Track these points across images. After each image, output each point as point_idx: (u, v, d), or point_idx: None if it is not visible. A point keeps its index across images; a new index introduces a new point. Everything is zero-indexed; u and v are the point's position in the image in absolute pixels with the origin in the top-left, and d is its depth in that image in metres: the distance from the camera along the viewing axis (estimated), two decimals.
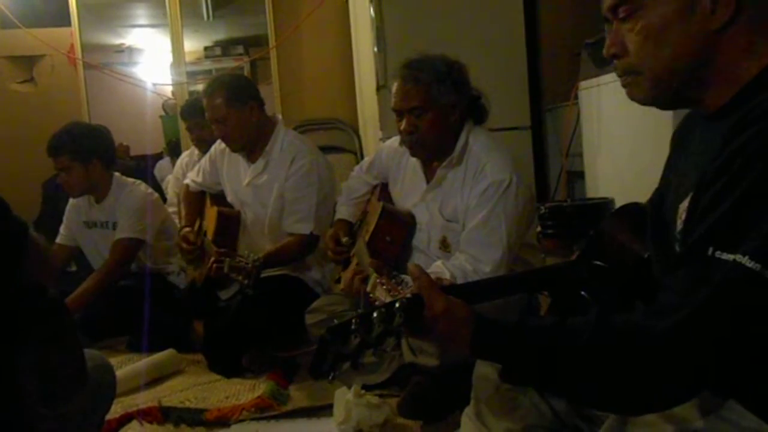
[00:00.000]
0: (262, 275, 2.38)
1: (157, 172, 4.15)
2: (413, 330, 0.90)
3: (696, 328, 0.74)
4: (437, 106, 1.79)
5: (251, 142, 2.41)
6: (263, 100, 2.44)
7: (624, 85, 0.93)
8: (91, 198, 2.77)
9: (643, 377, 0.78)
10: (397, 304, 0.86)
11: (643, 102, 0.93)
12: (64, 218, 2.83)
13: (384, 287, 1.49)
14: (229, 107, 2.33)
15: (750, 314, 0.73)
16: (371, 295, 1.59)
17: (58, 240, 2.82)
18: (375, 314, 0.84)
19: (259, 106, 2.39)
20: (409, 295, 0.89)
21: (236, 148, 2.44)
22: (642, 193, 1.14)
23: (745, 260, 0.71)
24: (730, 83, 0.84)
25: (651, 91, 0.90)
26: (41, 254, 1.09)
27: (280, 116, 2.65)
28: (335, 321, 0.83)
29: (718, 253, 0.74)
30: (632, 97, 0.93)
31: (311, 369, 0.85)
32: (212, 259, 2.08)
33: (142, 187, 2.81)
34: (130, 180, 2.80)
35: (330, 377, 0.85)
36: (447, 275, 1.71)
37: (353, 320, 0.83)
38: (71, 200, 2.84)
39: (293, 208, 2.35)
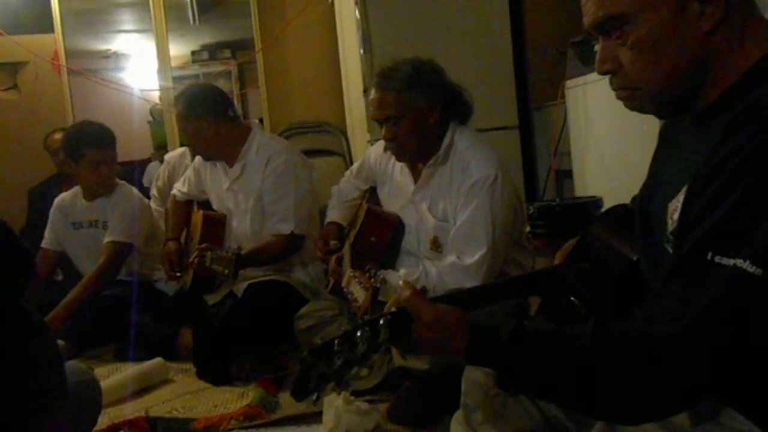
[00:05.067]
0: (251, 281, 2.38)
1: (144, 177, 4.11)
2: (400, 345, 0.89)
3: (697, 336, 0.73)
4: (412, 112, 1.78)
5: (216, 153, 2.43)
6: (230, 112, 2.43)
7: (621, 98, 0.90)
8: (80, 197, 2.74)
9: (643, 385, 0.77)
10: (381, 321, 0.84)
11: (643, 113, 0.90)
12: (49, 222, 2.81)
13: (356, 280, 1.49)
14: (185, 119, 2.37)
15: (751, 320, 0.71)
16: (345, 290, 1.59)
17: (43, 244, 2.80)
18: (359, 333, 0.81)
19: (219, 118, 2.37)
20: (393, 310, 0.87)
21: (205, 157, 2.48)
22: (631, 191, 1.13)
23: (746, 265, 0.70)
24: (721, 80, 0.83)
25: (652, 104, 0.88)
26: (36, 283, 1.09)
27: (257, 121, 2.68)
28: (319, 341, 0.81)
29: (717, 258, 0.72)
30: (632, 109, 0.90)
31: (293, 391, 0.83)
32: (194, 254, 2.09)
33: (134, 190, 2.80)
34: (121, 181, 2.80)
35: (314, 398, 0.83)
36: (414, 276, 1.71)
37: (336, 341, 0.81)
38: (56, 202, 2.82)
39: (272, 209, 2.35)
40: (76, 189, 2.82)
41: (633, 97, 0.88)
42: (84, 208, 2.74)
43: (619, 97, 0.91)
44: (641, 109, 0.90)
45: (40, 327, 0.93)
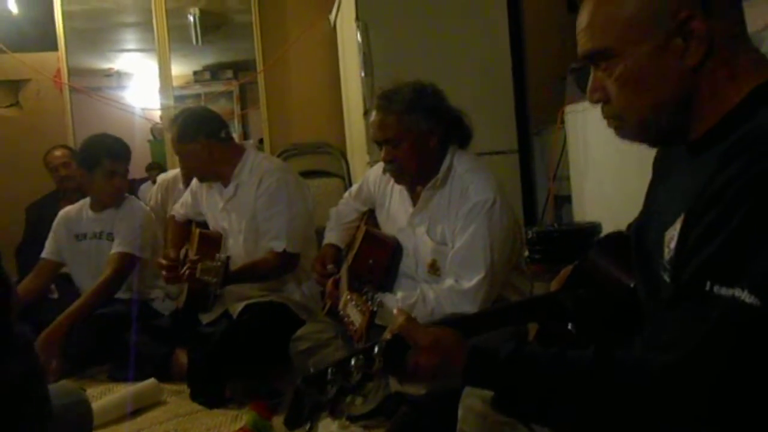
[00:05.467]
0: (248, 301, 2.36)
1: (140, 195, 4.11)
2: (395, 373, 0.88)
3: (696, 366, 0.73)
4: (412, 135, 1.79)
5: (209, 174, 2.45)
6: (223, 134, 2.45)
7: (611, 127, 0.92)
8: (87, 209, 2.77)
9: (640, 413, 0.77)
10: (376, 349, 0.83)
11: (633, 142, 0.92)
12: (52, 232, 2.82)
13: (353, 303, 1.47)
14: (179, 142, 2.40)
15: (749, 351, 0.71)
16: (342, 313, 1.57)
17: (43, 255, 2.81)
18: (353, 361, 0.81)
19: (213, 140, 2.39)
20: (388, 337, 0.86)
21: (200, 178, 2.51)
22: (629, 217, 1.13)
23: (744, 295, 0.70)
24: (714, 111, 0.84)
25: (638, 135, 0.90)
26: (17, 300, 1.06)
27: (252, 141, 2.71)
28: (311, 368, 0.80)
29: (716, 288, 0.72)
30: (622, 137, 0.92)
31: (286, 420, 0.82)
32: (185, 266, 2.09)
33: (142, 204, 2.86)
34: (129, 195, 2.84)
35: (308, 428, 0.82)
36: (411, 300, 1.70)
37: (329, 369, 0.80)
38: (61, 214, 2.84)
39: (266, 227, 2.35)
40: (83, 201, 2.85)
41: (620, 126, 0.90)
42: (90, 219, 2.77)
43: (609, 126, 0.93)
44: (631, 138, 0.91)
45: (23, 345, 0.91)
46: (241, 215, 2.41)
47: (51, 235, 2.81)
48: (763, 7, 2.00)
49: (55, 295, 2.99)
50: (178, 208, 2.71)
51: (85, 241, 2.77)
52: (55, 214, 2.89)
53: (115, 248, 2.65)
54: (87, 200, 2.84)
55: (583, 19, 0.88)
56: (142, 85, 5.45)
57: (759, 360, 0.71)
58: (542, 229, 2.83)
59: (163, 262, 2.39)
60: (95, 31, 5.07)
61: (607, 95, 0.88)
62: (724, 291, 0.72)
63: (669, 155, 0.99)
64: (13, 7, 4.42)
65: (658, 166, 1.02)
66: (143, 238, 2.71)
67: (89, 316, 2.53)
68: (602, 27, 0.85)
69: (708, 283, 0.73)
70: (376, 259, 1.93)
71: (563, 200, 3.30)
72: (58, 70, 4.38)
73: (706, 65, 0.82)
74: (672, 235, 0.83)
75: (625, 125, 0.89)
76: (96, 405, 1.97)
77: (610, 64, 0.86)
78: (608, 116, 0.91)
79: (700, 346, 0.72)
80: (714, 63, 0.82)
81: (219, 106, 5.10)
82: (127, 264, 2.65)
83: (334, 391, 0.80)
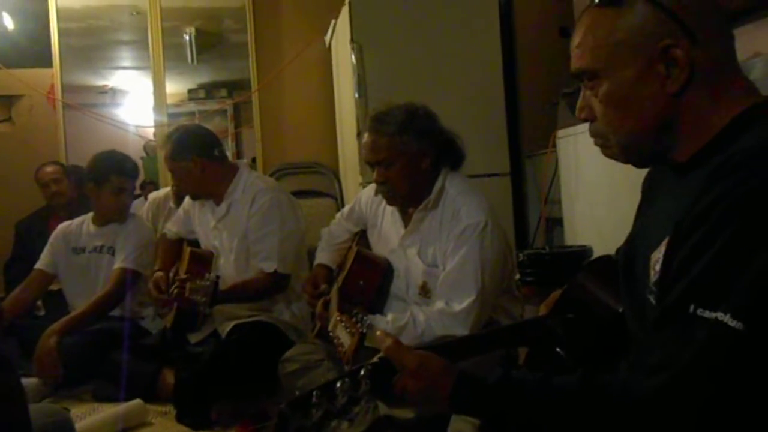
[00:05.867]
0: (236, 321, 2.34)
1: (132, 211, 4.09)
2: (381, 396, 0.87)
3: (680, 389, 0.73)
4: (404, 156, 1.80)
5: (202, 192, 2.46)
6: (216, 152, 2.46)
7: (597, 145, 0.95)
8: (88, 223, 2.78)
9: None
10: (362, 372, 0.82)
11: (618, 161, 0.94)
12: (48, 245, 2.82)
13: (343, 325, 1.46)
14: (172, 160, 2.41)
15: (734, 374, 0.71)
16: (331, 334, 1.56)
17: (37, 265, 2.80)
18: (338, 384, 0.80)
19: (205, 158, 2.40)
20: (375, 360, 0.86)
21: (192, 196, 2.52)
22: (620, 240, 1.13)
23: (727, 318, 0.70)
24: (699, 136, 0.85)
25: (621, 154, 0.92)
26: (2, 317, 1.05)
27: (245, 160, 2.72)
28: (298, 391, 0.79)
29: (699, 311, 0.73)
30: (608, 156, 0.95)
31: None
32: (174, 285, 2.08)
33: (145, 221, 2.90)
34: (132, 212, 2.87)
35: None
36: (402, 322, 1.69)
37: (315, 392, 0.79)
38: (60, 227, 2.86)
39: (257, 247, 2.35)
40: (84, 217, 2.87)
41: (605, 146, 0.92)
42: (90, 234, 2.78)
43: (595, 144, 0.95)
44: (615, 158, 0.93)
45: (4, 364, 0.89)
46: (233, 234, 2.41)
47: (47, 247, 2.81)
48: (753, 35, 2.03)
49: (42, 312, 2.97)
50: (170, 226, 2.70)
51: (83, 255, 2.77)
52: (45, 231, 2.89)
53: (119, 264, 2.67)
54: (88, 215, 2.85)
55: (576, 36, 0.91)
56: (137, 102, 5.46)
57: (744, 383, 0.71)
58: (533, 251, 2.83)
59: (154, 292, 2.38)
60: (91, 49, 5.08)
61: (593, 114, 0.91)
62: (708, 314, 0.72)
63: (657, 178, 1.00)
64: (9, 23, 4.43)
65: (647, 189, 1.03)
66: (146, 256, 2.72)
67: (83, 328, 2.52)
68: (591, 48, 0.88)
69: (692, 306, 0.73)
70: (367, 280, 1.92)
71: (555, 223, 3.31)
72: (52, 86, 4.38)
73: (688, 92, 0.84)
74: (657, 257, 0.84)
75: (609, 144, 0.91)
76: (80, 426, 1.94)
77: (596, 83, 0.88)
78: (594, 134, 0.93)
79: (685, 370, 0.73)
80: (697, 90, 0.84)
81: (213, 125, 5.10)
82: (128, 280, 2.66)
83: (320, 414, 0.79)
